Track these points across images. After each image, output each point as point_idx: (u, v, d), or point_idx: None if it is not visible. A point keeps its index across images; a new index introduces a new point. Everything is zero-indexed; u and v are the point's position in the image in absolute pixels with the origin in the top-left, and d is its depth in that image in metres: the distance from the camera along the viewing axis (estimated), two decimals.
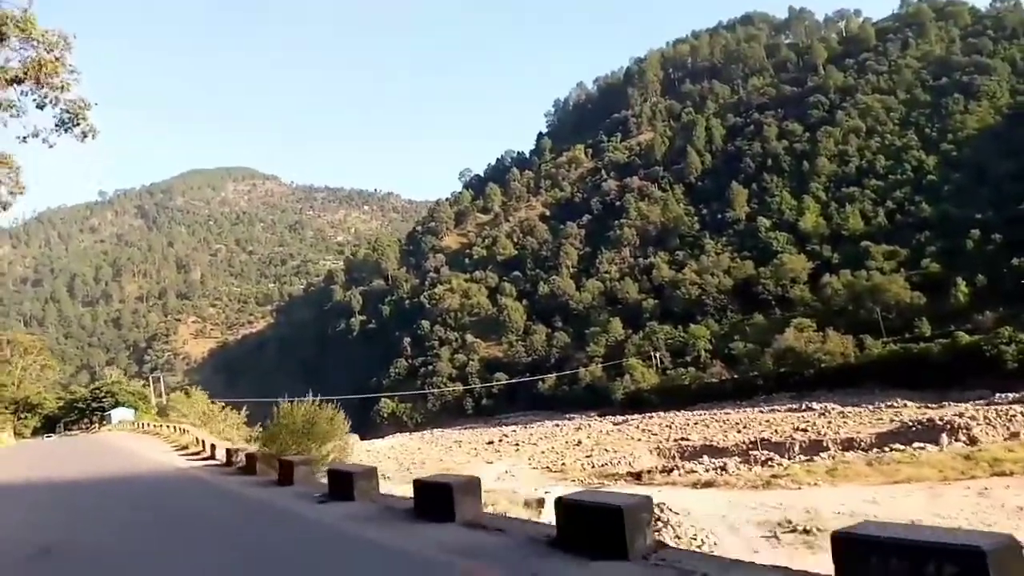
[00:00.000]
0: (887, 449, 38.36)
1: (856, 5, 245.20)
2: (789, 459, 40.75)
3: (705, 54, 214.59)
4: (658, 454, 49.34)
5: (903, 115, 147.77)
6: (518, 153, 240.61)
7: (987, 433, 38.52)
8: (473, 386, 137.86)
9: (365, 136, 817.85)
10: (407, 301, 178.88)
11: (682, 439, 53.34)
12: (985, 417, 42.65)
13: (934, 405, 68.42)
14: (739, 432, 54.47)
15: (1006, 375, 74.67)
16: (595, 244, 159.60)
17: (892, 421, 47.92)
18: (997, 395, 66.43)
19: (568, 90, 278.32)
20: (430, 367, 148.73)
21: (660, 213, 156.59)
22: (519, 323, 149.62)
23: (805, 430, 49.55)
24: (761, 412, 76.90)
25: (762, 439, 47.07)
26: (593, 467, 46.37)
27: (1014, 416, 42.59)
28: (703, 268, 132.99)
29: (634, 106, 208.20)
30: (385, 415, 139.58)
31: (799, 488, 30.40)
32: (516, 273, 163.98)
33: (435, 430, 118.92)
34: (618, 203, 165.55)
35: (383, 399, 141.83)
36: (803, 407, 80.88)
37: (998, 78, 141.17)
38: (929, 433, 40.38)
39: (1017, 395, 66.15)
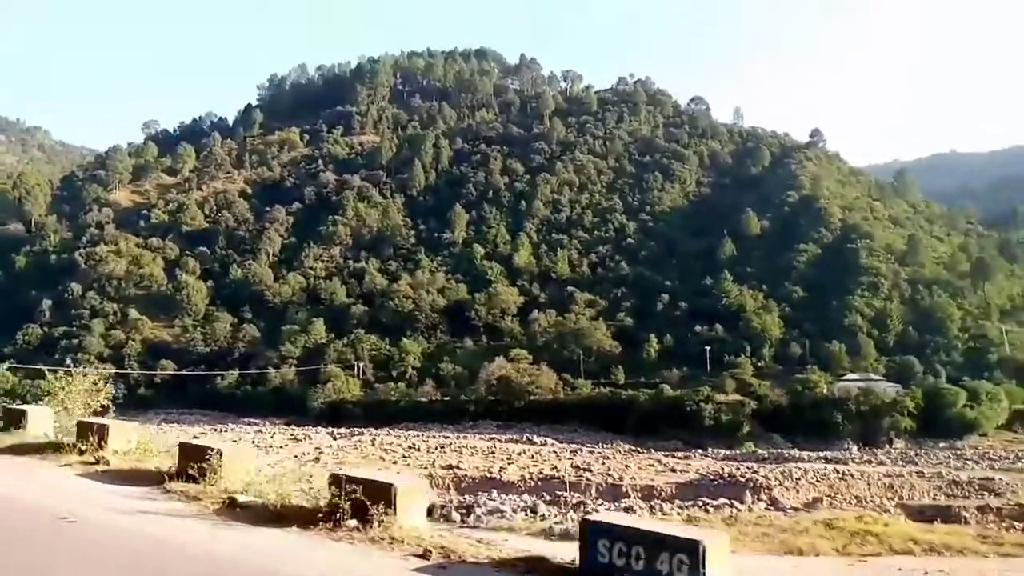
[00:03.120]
0: (700, 504, 36.58)
1: (579, 70, 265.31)
2: (593, 504, 36.98)
3: (438, 75, 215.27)
4: (432, 483, 42.53)
5: (611, 180, 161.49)
6: (220, 119, 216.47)
7: (784, 495, 39.02)
8: (129, 371, 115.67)
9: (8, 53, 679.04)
10: (54, 256, 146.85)
11: (454, 466, 47.17)
12: (776, 478, 43.48)
13: (643, 450, 71.67)
14: (507, 462, 49.95)
15: (702, 430, 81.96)
16: (303, 236, 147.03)
17: (675, 471, 47.21)
18: (711, 449, 71.87)
19: (288, 68, 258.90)
20: (75, 340, 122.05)
21: (379, 219, 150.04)
22: (200, 306, 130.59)
23: (588, 469, 46.69)
24: (483, 439, 73.96)
25: (551, 476, 43.08)
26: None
27: (799, 479, 44.15)
28: (418, 283, 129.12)
29: (360, 104, 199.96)
30: None
31: None
32: (204, 249, 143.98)
33: None
34: (335, 198, 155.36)
35: None
36: (524, 439, 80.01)
37: (690, 167, 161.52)
38: (732, 489, 39.88)
39: (728, 452, 72.27)
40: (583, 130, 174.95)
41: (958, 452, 72.99)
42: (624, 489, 40.42)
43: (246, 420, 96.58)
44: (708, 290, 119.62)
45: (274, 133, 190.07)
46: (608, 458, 53.77)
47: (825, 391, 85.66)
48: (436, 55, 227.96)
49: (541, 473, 44.44)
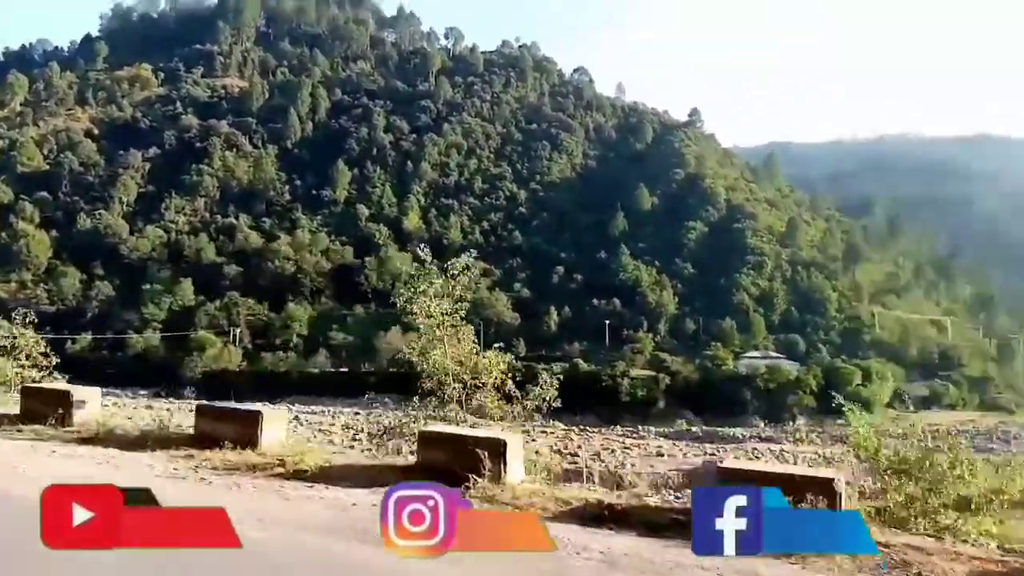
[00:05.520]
0: None
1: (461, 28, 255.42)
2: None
3: (310, 19, 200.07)
4: None
5: (499, 146, 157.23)
6: (55, 48, 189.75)
7: None
8: None
9: None
10: None
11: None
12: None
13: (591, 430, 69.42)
14: None
15: (618, 406, 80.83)
16: (162, 185, 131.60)
17: (663, 457, 44.57)
18: (642, 428, 70.47)
19: None
20: None
21: (249, 170, 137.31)
22: (41, 259, 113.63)
23: (574, 455, 43.12)
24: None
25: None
26: None
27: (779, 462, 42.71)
28: (299, 244, 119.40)
29: (222, 44, 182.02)
30: None
31: None
32: (44, 194, 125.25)
33: None
34: (199, 145, 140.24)
35: None
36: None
37: (576, 139, 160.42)
38: None
39: (658, 429, 71.19)
40: (470, 92, 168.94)
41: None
42: (629, 479, 37.10)
43: (105, 390, 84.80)
44: (604, 264, 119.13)
45: (122, 69, 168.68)
46: (568, 439, 50.53)
47: (732, 368, 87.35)
48: None
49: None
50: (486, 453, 8.67)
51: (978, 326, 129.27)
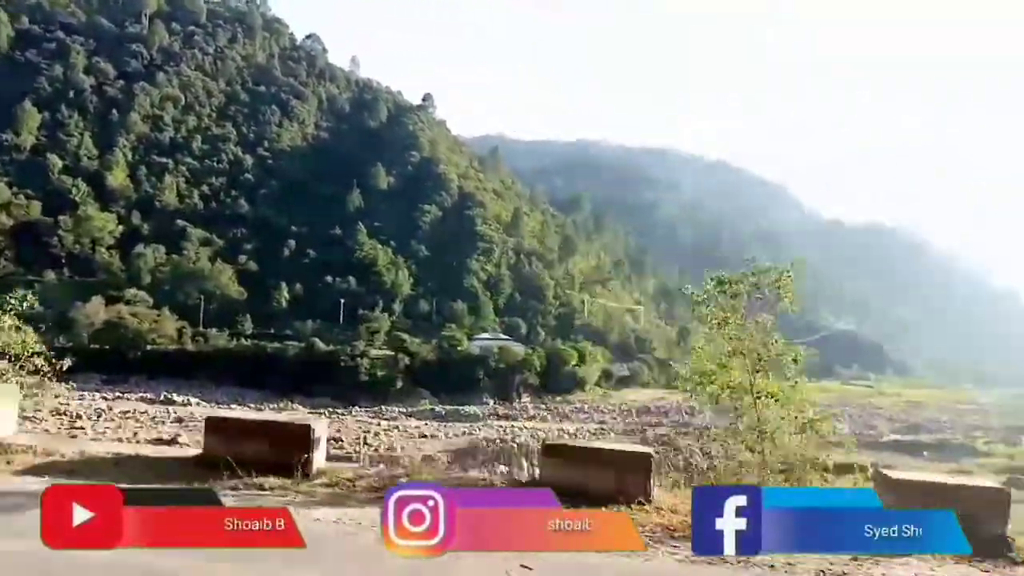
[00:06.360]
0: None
1: None
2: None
3: None
4: None
5: (222, 105, 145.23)
6: None
7: None
8: None
9: None
10: None
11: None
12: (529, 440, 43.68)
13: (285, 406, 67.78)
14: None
15: (355, 386, 79.62)
16: None
17: (432, 437, 44.45)
18: (385, 408, 69.87)
19: None
20: None
21: None
22: None
23: (336, 440, 41.17)
24: (128, 399, 61.19)
25: None
26: None
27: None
28: None
29: None
30: None
31: None
32: None
33: None
34: None
35: None
36: (162, 397, 68.68)
37: (309, 108, 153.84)
38: (507, 455, 39.05)
39: (402, 409, 71.14)
40: (190, 42, 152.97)
41: (579, 406, 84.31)
42: (402, 460, 36.83)
43: None
44: (339, 240, 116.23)
45: None
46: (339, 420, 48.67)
47: (467, 348, 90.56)
48: None
49: None
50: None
51: (662, 314, 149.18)
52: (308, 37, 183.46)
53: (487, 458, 37.83)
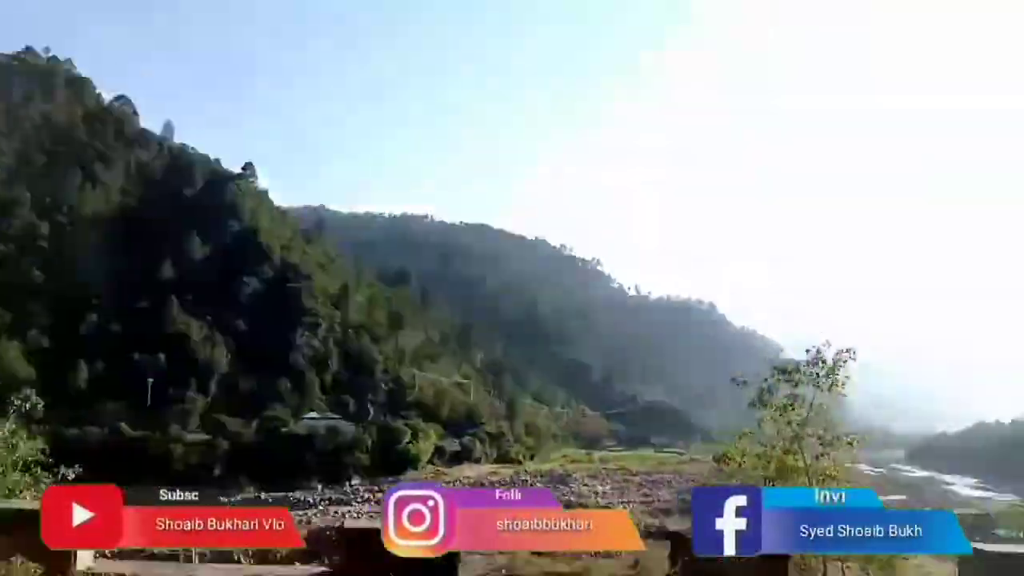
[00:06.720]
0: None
1: None
2: None
3: None
4: None
5: (15, 165, 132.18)
6: None
7: None
8: None
9: None
10: None
11: None
12: None
13: None
14: None
15: (168, 476, 73.10)
16: None
17: None
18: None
19: None
20: None
21: None
22: None
23: None
24: None
25: None
26: None
27: None
28: None
29: None
30: None
31: None
32: None
33: None
34: None
35: None
36: None
37: (116, 174, 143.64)
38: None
39: (223, 499, 65.70)
40: None
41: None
42: (235, 556, 34.19)
43: None
44: (148, 313, 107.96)
45: None
46: None
47: (292, 429, 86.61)
48: None
49: None
50: None
51: (490, 388, 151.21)
52: (118, 99, 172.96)
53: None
